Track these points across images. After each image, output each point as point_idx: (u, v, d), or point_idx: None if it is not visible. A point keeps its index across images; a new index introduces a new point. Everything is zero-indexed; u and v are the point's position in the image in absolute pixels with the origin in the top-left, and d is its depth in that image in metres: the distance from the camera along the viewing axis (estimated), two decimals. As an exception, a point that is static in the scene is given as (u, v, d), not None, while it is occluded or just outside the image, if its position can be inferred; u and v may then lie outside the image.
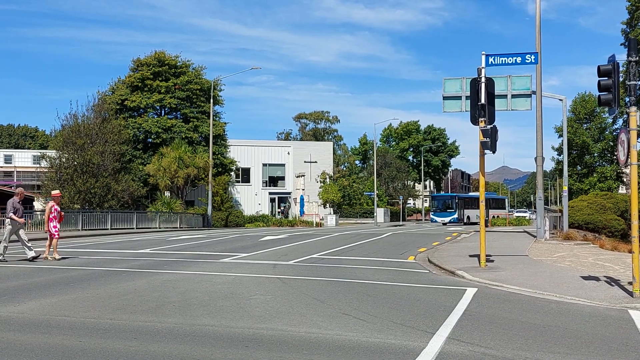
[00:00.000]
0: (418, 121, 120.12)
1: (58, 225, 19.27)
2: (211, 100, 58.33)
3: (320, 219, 65.40)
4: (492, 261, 17.76)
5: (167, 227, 49.44)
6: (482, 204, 16.88)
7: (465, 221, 69.35)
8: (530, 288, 12.55)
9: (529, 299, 11.57)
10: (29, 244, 18.58)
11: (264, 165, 76.07)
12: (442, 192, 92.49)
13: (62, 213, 19.80)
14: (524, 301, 11.29)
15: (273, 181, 77.04)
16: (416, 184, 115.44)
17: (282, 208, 75.47)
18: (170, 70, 61.78)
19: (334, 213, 70.09)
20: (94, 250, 23.60)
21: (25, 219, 19.24)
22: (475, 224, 66.99)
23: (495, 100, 16.81)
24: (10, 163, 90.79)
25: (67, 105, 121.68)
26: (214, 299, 11.12)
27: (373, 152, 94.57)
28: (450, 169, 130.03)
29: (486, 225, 69.84)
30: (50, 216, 19.30)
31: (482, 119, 15.91)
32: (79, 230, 40.86)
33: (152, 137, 59.80)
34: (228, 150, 67.42)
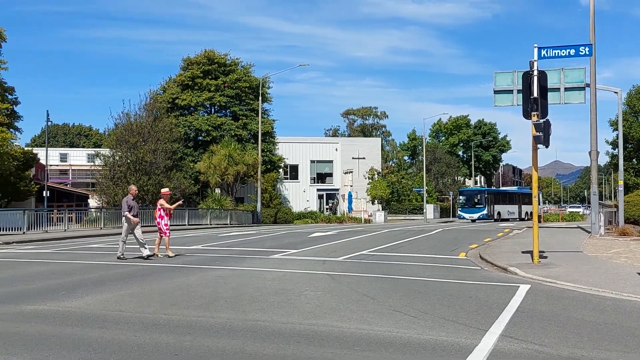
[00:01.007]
0: (468, 116, 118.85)
1: (169, 223, 19.08)
2: (259, 98, 58.74)
3: (369, 216, 65.27)
4: (546, 257, 17.46)
5: (218, 224, 49.99)
6: (535, 200, 16.61)
7: (495, 217, 65.53)
8: (585, 285, 12.30)
9: (584, 296, 11.34)
10: (144, 242, 18.41)
11: (312, 162, 76.22)
12: (470, 187, 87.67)
13: (172, 210, 19.45)
14: (578, 298, 11.07)
15: (321, 178, 77.15)
16: (466, 180, 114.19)
17: (330, 205, 75.55)
18: (219, 69, 62.41)
19: (382, 209, 69.83)
20: (149, 248, 23.97)
21: (138, 217, 18.83)
22: (506, 220, 65.14)
23: (548, 93, 16.51)
24: (66, 161, 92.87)
25: (120, 104, 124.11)
26: (265, 294, 11.20)
27: (422, 148, 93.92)
28: (501, 164, 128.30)
29: (539, 221, 68.00)
30: (161, 213, 19.05)
31: (535, 112, 15.64)
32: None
33: (203, 135, 60.53)
34: (276, 147, 67.79)
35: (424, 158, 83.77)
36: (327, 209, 74.65)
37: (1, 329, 8.40)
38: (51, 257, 19.41)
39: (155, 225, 19.37)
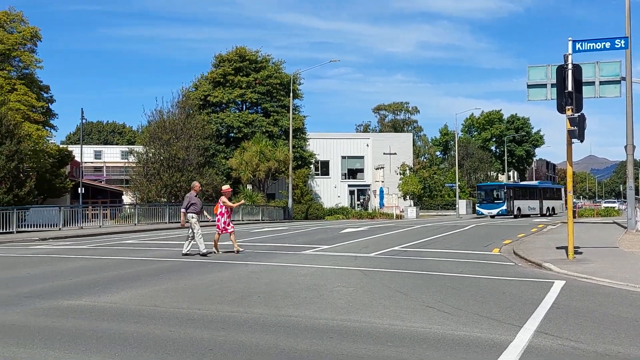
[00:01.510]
0: (500, 110, 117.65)
1: (228, 220, 18.79)
2: (291, 94, 58.87)
3: (401, 211, 65.06)
4: (581, 253, 17.24)
5: (250, 220, 50.25)
6: (570, 195, 16.41)
7: (515, 213, 62.12)
8: (621, 281, 12.12)
9: (620, 292, 11.18)
10: (201, 239, 18.10)
11: (343, 157, 76.11)
12: (488, 182, 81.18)
13: (233, 206, 19.34)
14: (614, 294, 10.91)
15: (352, 173, 77.05)
16: (499, 175, 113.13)
17: (361, 200, 75.44)
18: (250, 66, 62.63)
19: (414, 205, 69.55)
20: (181, 242, 24.20)
21: (201, 214, 18.66)
22: (527, 216, 62.76)
23: (583, 87, 16.27)
24: (100, 158, 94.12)
25: (153, 101, 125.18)
26: (297, 290, 11.23)
27: (454, 143, 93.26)
28: (534, 158, 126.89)
29: (573, 216, 66.56)
30: (221, 210, 18.79)
31: (569, 106, 15.44)
32: (166, 222, 42.03)
33: (234, 131, 60.82)
34: (307, 143, 67.86)
35: (456, 153, 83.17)
36: (358, 204, 74.56)
37: (39, 324, 8.55)
38: (86, 253, 19.70)
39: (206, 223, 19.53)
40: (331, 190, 74.71)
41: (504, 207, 61.13)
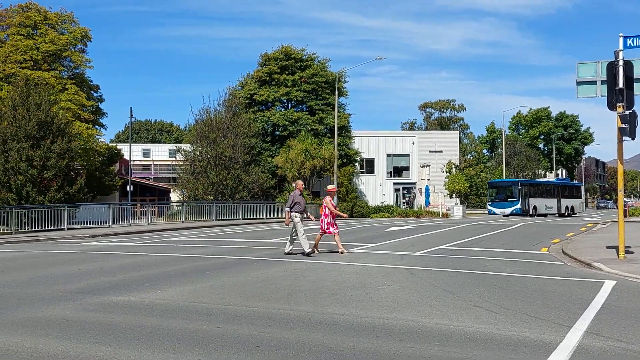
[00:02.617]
0: (548, 107, 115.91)
1: (332, 221, 18.10)
2: (336, 92, 58.83)
3: (447, 210, 64.53)
4: (632, 253, 16.87)
5: (295, 218, 50.37)
6: (621, 193, 16.06)
7: (530, 212, 58.96)
8: (675, 282, 11.82)
9: (674, 293, 10.90)
10: (304, 238, 17.43)
11: (388, 155, 75.84)
12: (502, 178, 75.44)
13: (337, 208, 18.43)
14: (668, 296, 10.65)
15: (397, 171, 76.73)
16: (547, 173, 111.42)
17: (407, 198, 75.06)
18: (296, 64, 62.84)
19: (460, 203, 68.88)
20: (228, 240, 24.46)
21: (304, 214, 18.18)
22: (543, 215, 59.71)
23: (634, 84, 15.91)
24: (148, 157, 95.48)
25: (200, 100, 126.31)
26: (343, 288, 11.24)
27: (501, 141, 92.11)
28: (583, 157, 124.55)
29: (624, 215, 64.23)
30: (325, 211, 18.20)
31: (620, 104, 15.11)
32: (212, 220, 42.45)
33: (280, 129, 61.08)
34: (352, 141, 67.79)
35: (504, 151, 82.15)
36: (403, 202, 74.21)
37: (91, 319, 8.74)
38: (135, 250, 20.03)
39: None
40: (376, 188, 74.53)
41: (518, 206, 57.89)
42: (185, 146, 54.87)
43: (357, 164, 70.17)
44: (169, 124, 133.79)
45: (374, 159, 75.20)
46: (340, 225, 36.99)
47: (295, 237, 17.79)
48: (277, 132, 62.06)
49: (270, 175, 56.92)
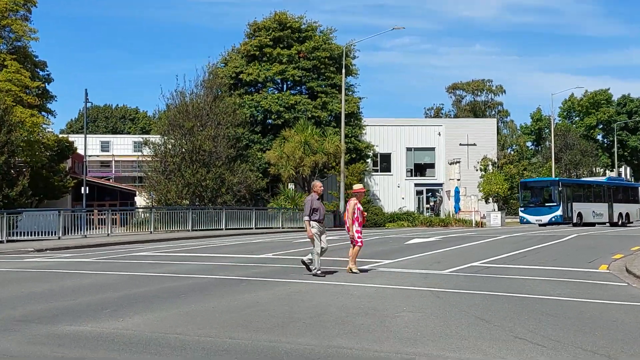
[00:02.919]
0: (609, 89, 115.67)
1: (360, 229, 18.00)
2: (343, 71, 58.80)
3: (481, 217, 64.56)
4: None
5: (292, 227, 50.50)
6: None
7: (575, 221, 57.32)
8: None
9: None
10: (318, 255, 17.35)
11: (409, 149, 75.86)
12: (538, 177, 73.77)
13: (365, 213, 18.56)
14: None
15: (420, 169, 76.77)
16: (607, 171, 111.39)
17: (431, 203, 75.11)
18: (293, 35, 62.83)
19: (498, 209, 68.91)
20: (207, 255, 24.46)
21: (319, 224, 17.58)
22: (590, 225, 58.14)
23: None
24: (108, 151, 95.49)
25: (173, 81, 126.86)
26: (352, 315, 11.25)
27: (550, 131, 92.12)
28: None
29: None
30: (354, 217, 17.98)
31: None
32: (188, 230, 42.53)
33: (273, 117, 61.05)
34: (363, 131, 67.82)
35: (553, 144, 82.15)
36: (427, 208, 74.25)
37: (37, 354, 8.74)
38: (92, 268, 20.05)
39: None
40: (393, 191, 74.56)
41: (559, 212, 56.33)
42: (155, 138, 54.92)
43: (369, 160, 70.17)
44: (134, 110, 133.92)
45: (390, 154, 75.24)
46: (347, 236, 36.95)
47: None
48: (270, 121, 62.10)
49: (260, 175, 56.95)
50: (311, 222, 17.46)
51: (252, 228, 46.91)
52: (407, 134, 75.81)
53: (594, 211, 60.64)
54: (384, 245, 28.89)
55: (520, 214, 60.06)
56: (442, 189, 74.57)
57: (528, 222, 58.18)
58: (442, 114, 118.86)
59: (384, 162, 75.39)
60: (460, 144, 74.94)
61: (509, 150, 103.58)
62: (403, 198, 74.11)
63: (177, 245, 31.37)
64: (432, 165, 76.55)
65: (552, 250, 25.56)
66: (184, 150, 50.29)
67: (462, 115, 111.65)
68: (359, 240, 17.79)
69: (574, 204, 58.53)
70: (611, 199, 63.29)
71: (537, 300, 12.89)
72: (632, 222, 64.57)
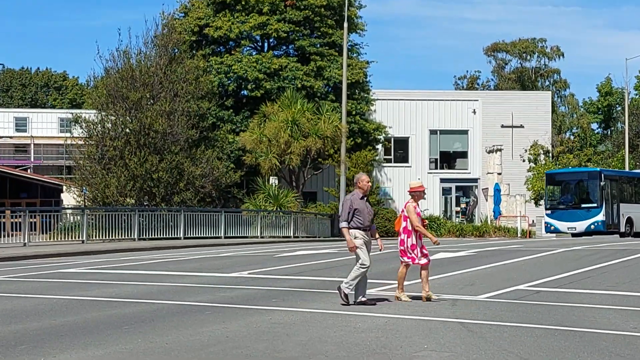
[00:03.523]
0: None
1: (421, 242, 17.58)
2: (345, 25, 58.65)
3: (530, 225, 64.64)
4: None
5: (274, 237, 50.52)
6: None
7: (623, 230, 56.28)
8: None
9: None
10: (360, 273, 16.63)
11: (433, 132, 75.91)
12: (570, 167, 70.48)
13: (426, 221, 18.26)
14: None
15: (447, 160, 76.86)
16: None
17: (463, 206, 75.24)
18: (277, -25, 62.81)
19: (553, 214, 68.94)
20: (160, 273, 24.45)
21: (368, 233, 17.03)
22: None
23: None
24: (25, 131, 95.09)
25: (114, 36, 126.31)
26: (355, 355, 11.25)
27: (623, 109, 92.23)
28: None
29: None
30: (407, 225, 17.58)
31: None
32: (134, 239, 42.50)
33: (249, 87, 60.99)
34: (372, 108, 67.86)
35: (626, 126, 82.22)
36: (457, 212, 74.32)
37: None
38: (3, 289, 20.00)
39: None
40: (411, 188, 74.51)
41: (600, 217, 54.73)
42: (89, 113, 54.82)
43: (379, 146, 70.19)
44: (61, 76, 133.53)
45: (408, 138, 75.28)
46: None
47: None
48: (245, 92, 62.08)
49: (232, 165, 56.93)
50: (354, 230, 16.92)
51: (220, 237, 46.88)
52: (430, 112, 75.85)
53: None
54: (397, 261, 28.84)
55: (546, 219, 58.76)
56: (477, 187, 74.63)
57: (557, 231, 57.61)
58: (478, 84, 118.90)
59: (400, 150, 75.44)
60: (503, 126, 75.00)
61: (567, 134, 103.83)
62: (425, 197, 74.03)
63: (118, 259, 31.33)
64: (464, 155, 76.63)
65: (626, 269, 25.57)
66: (128, 130, 50.24)
67: (506, 86, 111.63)
68: (414, 256, 17.44)
69: (621, 205, 57.37)
70: None
71: (604, 337, 12.91)
72: None
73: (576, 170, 63.89)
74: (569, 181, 59.05)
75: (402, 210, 17.89)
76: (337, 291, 16.60)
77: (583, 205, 55.98)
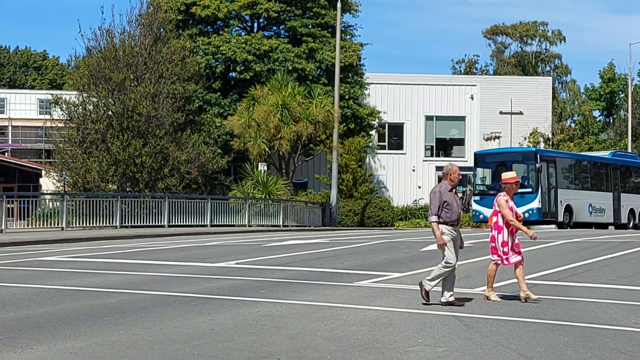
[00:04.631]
0: None
1: (514, 239, 17.04)
2: (338, 4, 58.59)
3: (529, 215, 64.64)
4: None
5: (263, 225, 50.50)
6: None
7: (562, 219, 53.61)
8: None
9: None
10: (445, 271, 16.17)
11: (429, 118, 75.91)
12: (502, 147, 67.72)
13: (520, 216, 17.63)
14: None
15: (444, 147, 76.87)
16: None
17: (460, 195, 75.22)
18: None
19: (553, 204, 69.02)
20: (143, 262, 24.43)
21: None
22: (586, 225, 54.40)
23: None
24: (3, 113, 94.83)
25: (96, 14, 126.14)
26: (346, 350, 11.27)
27: (626, 96, 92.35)
28: None
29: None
30: (503, 221, 17.09)
31: None
32: (116, 227, 42.45)
33: (238, 69, 60.97)
34: (366, 92, 67.82)
35: (630, 114, 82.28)
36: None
37: None
38: (-20, 277, 19.99)
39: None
40: (406, 176, 74.62)
41: (535, 204, 51.41)
42: (70, 95, 54.69)
43: (373, 132, 70.19)
44: (41, 56, 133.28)
45: (403, 124, 75.26)
46: (341, 238, 36.99)
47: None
48: (234, 74, 62.05)
49: (219, 150, 56.88)
50: (444, 225, 16.50)
51: (206, 225, 46.85)
52: (426, 97, 75.82)
53: (591, 205, 56.09)
54: (391, 252, 28.93)
55: (474, 206, 55.79)
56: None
57: (486, 220, 50.70)
58: (476, 69, 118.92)
59: (394, 136, 75.44)
60: (502, 112, 75.02)
61: (568, 121, 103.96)
62: (420, 187, 74.15)
63: (99, 247, 31.31)
64: (461, 142, 76.67)
65: (629, 262, 25.60)
66: (110, 113, 50.13)
67: (505, 71, 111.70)
68: (504, 256, 16.93)
69: (560, 191, 54.06)
70: (618, 187, 59.46)
71: (604, 332, 12.94)
72: None
73: (509, 150, 61.03)
74: (500, 162, 54.06)
75: (494, 205, 17.32)
76: (419, 287, 16.09)
77: (517, 191, 50.97)
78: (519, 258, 16.84)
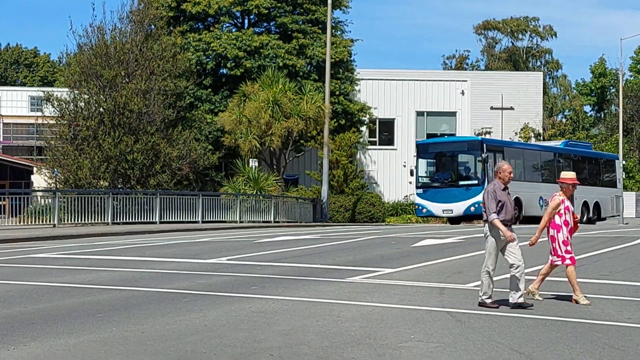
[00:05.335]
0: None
1: (569, 239, 16.48)
2: (328, 1, 58.55)
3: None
4: None
5: (254, 221, 50.49)
6: None
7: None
8: None
9: None
10: (521, 282, 15.48)
11: (419, 114, 75.92)
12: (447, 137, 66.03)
13: (577, 217, 17.17)
14: None
15: (436, 142, 76.81)
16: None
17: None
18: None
19: (544, 199, 69.05)
20: (135, 259, 24.40)
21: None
22: (534, 220, 48.68)
23: None
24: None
25: (87, 11, 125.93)
26: (338, 345, 11.26)
27: (617, 91, 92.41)
28: None
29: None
30: (560, 220, 16.56)
31: None
32: (107, 223, 42.41)
33: (229, 65, 60.93)
34: (357, 88, 67.78)
35: (620, 108, 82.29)
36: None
37: None
38: (-28, 274, 19.94)
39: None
40: (397, 172, 74.61)
41: (478, 197, 43.87)
42: (61, 92, 54.56)
43: (364, 128, 70.18)
44: (32, 52, 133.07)
45: (394, 120, 75.28)
46: (332, 234, 36.99)
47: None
48: (224, 70, 61.98)
49: (210, 147, 56.83)
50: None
51: (198, 222, 46.82)
52: (417, 93, 75.83)
53: (541, 198, 51.51)
54: (383, 247, 28.91)
55: (417, 199, 52.34)
56: (466, 170, 74.65)
57: (430, 215, 51.87)
58: (467, 64, 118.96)
59: (385, 132, 75.43)
60: (492, 108, 75.03)
61: (559, 117, 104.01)
62: (411, 182, 74.03)
63: (91, 244, 31.26)
64: (452, 137, 76.60)
65: (620, 257, 25.63)
66: (102, 109, 50.02)
67: (496, 66, 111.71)
68: (567, 255, 16.26)
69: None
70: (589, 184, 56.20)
71: (596, 328, 12.96)
72: (604, 218, 59.41)
73: (453, 139, 59.11)
74: (444, 153, 52.33)
75: (553, 199, 16.74)
76: (520, 302, 15.28)
77: (461, 183, 49.88)
78: (572, 260, 16.25)
